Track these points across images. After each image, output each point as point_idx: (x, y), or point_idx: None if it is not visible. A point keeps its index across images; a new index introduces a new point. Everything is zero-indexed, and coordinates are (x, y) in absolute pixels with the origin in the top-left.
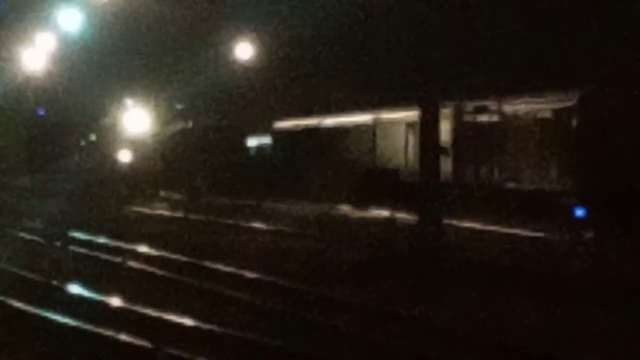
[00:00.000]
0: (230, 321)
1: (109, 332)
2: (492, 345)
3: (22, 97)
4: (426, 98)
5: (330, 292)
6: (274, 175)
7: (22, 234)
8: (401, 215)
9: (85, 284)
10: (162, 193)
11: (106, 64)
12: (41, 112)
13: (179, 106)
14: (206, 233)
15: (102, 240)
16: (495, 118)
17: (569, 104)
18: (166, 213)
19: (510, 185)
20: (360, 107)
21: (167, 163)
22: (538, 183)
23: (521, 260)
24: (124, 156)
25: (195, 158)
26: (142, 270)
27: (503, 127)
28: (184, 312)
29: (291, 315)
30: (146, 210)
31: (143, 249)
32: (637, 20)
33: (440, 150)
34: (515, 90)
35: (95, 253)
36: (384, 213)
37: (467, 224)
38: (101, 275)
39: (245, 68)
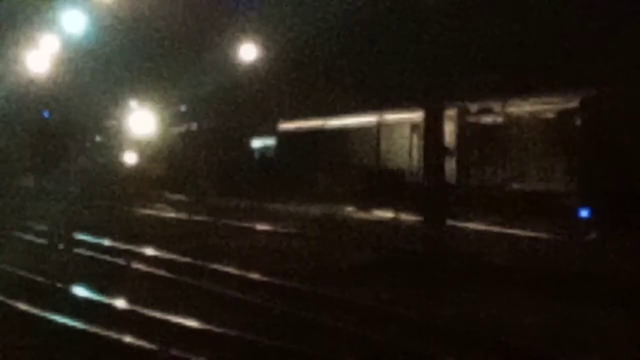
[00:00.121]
0: (234, 323)
1: (112, 334)
2: (495, 345)
3: (26, 99)
4: (430, 99)
5: (335, 293)
6: (278, 176)
7: (26, 236)
8: (405, 217)
9: (88, 285)
10: (166, 194)
11: (110, 65)
12: (45, 114)
13: (183, 108)
14: (210, 234)
15: (106, 242)
16: (499, 119)
17: (573, 105)
18: (170, 215)
19: (514, 186)
20: (365, 109)
21: (171, 165)
22: (542, 184)
23: (525, 261)
24: (129, 158)
25: (200, 160)
26: (145, 272)
27: (507, 128)
28: (188, 314)
29: (296, 316)
30: (150, 212)
31: (147, 250)
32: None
33: (444, 151)
34: (519, 91)
35: (99, 255)
36: (389, 214)
37: (471, 225)
38: (105, 277)
39: (249, 69)
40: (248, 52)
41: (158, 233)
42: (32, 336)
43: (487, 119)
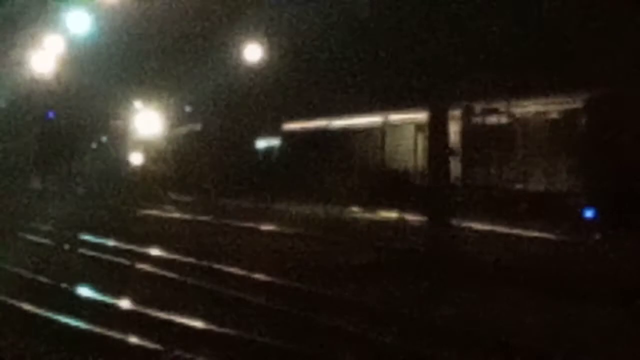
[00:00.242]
0: (239, 323)
1: (117, 334)
2: (498, 344)
3: (31, 99)
4: (435, 100)
5: (340, 294)
6: (283, 177)
7: (31, 237)
8: (410, 217)
9: (93, 286)
10: (172, 195)
11: (115, 66)
12: (51, 115)
13: (187, 108)
14: (215, 235)
15: (111, 242)
16: (504, 119)
17: (578, 105)
18: (176, 215)
19: (519, 186)
20: (369, 109)
21: (176, 165)
22: (547, 184)
23: (530, 261)
24: (135, 158)
25: (205, 160)
26: (150, 273)
27: (512, 129)
28: (193, 315)
29: (301, 317)
30: (156, 213)
31: (152, 251)
32: None
33: (449, 151)
34: (524, 91)
35: (104, 255)
36: (393, 214)
37: (475, 225)
38: (110, 277)
39: (255, 70)
40: (253, 52)
41: (163, 233)
42: (35, 336)
43: (492, 119)
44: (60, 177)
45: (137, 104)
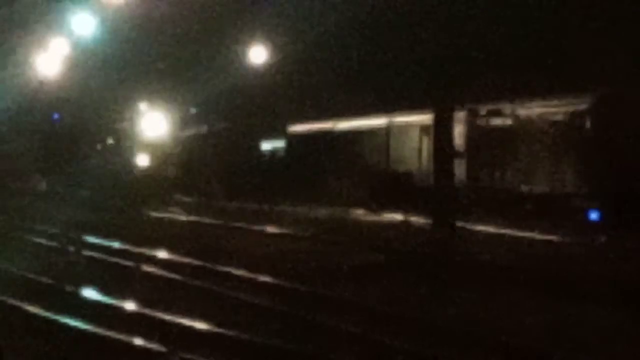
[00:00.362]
0: (243, 325)
1: (121, 336)
2: (498, 344)
3: (36, 101)
4: (440, 102)
5: (343, 295)
6: (288, 179)
7: (36, 239)
8: (415, 219)
9: (98, 287)
10: (177, 197)
11: (120, 68)
12: (56, 117)
13: (193, 110)
14: (220, 237)
15: (116, 244)
16: (508, 121)
17: (583, 106)
18: (181, 217)
19: (524, 188)
20: (374, 111)
21: (182, 167)
22: (552, 186)
23: (534, 263)
24: (141, 160)
25: (210, 162)
26: (155, 274)
27: (517, 130)
28: (197, 316)
29: (303, 318)
30: (161, 215)
31: (156, 253)
32: None
33: (453, 153)
34: (529, 93)
35: (109, 257)
36: (398, 216)
37: (480, 227)
38: (114, 279)
39: (259, 72)
40: (258, 54)
41: (168, 236)
42: (39, 337)
43: (497, 121)
44: (66, 178)
45: (143, 105)
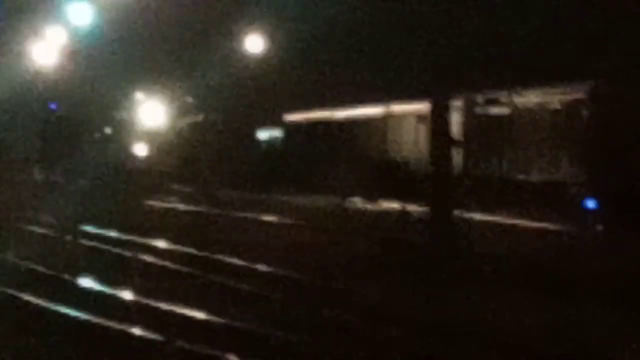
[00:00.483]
0: (242, 314)
1: (119, 326)
2: (496, 339)
3: (33, 91)
4: (437, 90)
5: (342, 285)
6: (285, 168)
7: (34, 229)
8: (412, 208)
9: (96, 277)
10: (175, 186)
11: (117, 57)
12: (53, 107)
13: (190, 100)
14: (218, 226)
15: (113, 234)
16: (506, 110)
17: (580, 95)
18: (178, 206)
19: (521, 177)
20: (372, 100)
21: (180, 157)
22: (549, 175)
23: (531, 252)
24: (139, 150)
25: (207, 151)
26: (153, 264)
27: (514, 119)
28: (195, 306)
29: (299, 308)
30: (158, 204)
31: (154, 242)
32: None
33: (451, 142)
34: (526, 82)
35: (107, 246)
36: (396, 205)
37: (478, 216)
38: (112, 268)
39: (256, 61)
40: (255, 43)
41: (165, 225)
42: (36, 326)
43: (494, 110)
44: (64, 168)
45: (141, 95)
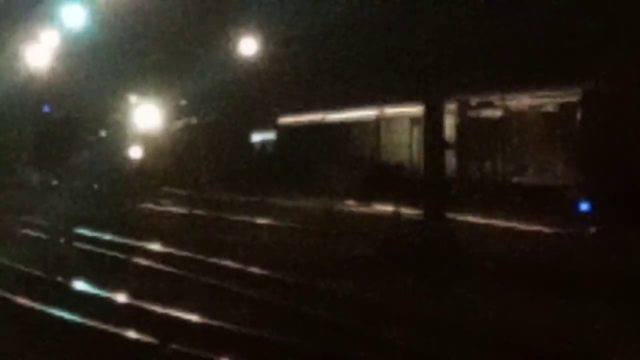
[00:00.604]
0: (235, 317)
1: (113, 329)
2: (491, 338)
3: (26, 93)
4: (430, 93)
5: (335, 287)
6: (278, 170)
7: (28, 231)
8: (406, 210)
9: (88, 280)
10: (167, 189)
11: (111, 60)
12: (46, 109)
13: (183, 102)
14: (211, 229)
15: (107, 236)
16: (499, 113)
17: (573, 98)
18: (171, 209)
19: (515, 179)
20: (365, 102)
21: (174, 159)
22: (542, 177)
23: (524, 254)
24: (134, 152)
25: (200, 154)
26: (146, 267)
27: (507, 122)
28: (189, 309)
29: (296, 311)
30: (152, 206)
31: (147, 244)
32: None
33: (444, 145)
34: (520, 85)
35: (100, 249)
36: (389, 208)
37: (471, 219)
38: (105, 271)
39: (250, 64)
40: (248, 46)
41: (159, 227)
42: (28, 328)
43: (487, 113)
44: (58, 171)
45: (135, 97)
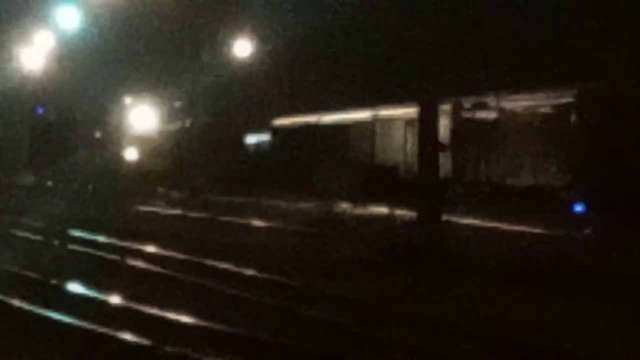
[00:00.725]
0: (229, 319)
1: (107, 331)
2: (489, 338)
3: (21, 95)
4: (425, 95)
5: (331, 289)
6: (273, 172)
7: (23, 233)
8: (401, 212)
9: (83, 282)
10: (164, 191)
11: (106, 61)
12: (40, 111)
13: (177, 104)
14: (205, 231)
15: (101, 238)
16: (494, 114)
17: (568, 99)
18: (166, 211)
19: (509, 181)
20: (360, 104)
21: (169, 161)
22: (537, 179)
23: (519, 255)
24: (129, 154)
25: (194, 156)
26: (140, 268)
27: (502, 123)
28: (183, 310)
29: (292, 312)
30: (148, 209)
31: (142, 246)
32: (635, 17)
33: (439, 146)
34: (514, 86)
35: (94, 251)
36: (384, 210)
37: (466, 220)
38: (99, 273)
39: (244, 65)
40: (243, 48)
41: (154, 229)
42: (22, 331)
43: (482, 114)
44: (54, 172)
45: (130, 99)
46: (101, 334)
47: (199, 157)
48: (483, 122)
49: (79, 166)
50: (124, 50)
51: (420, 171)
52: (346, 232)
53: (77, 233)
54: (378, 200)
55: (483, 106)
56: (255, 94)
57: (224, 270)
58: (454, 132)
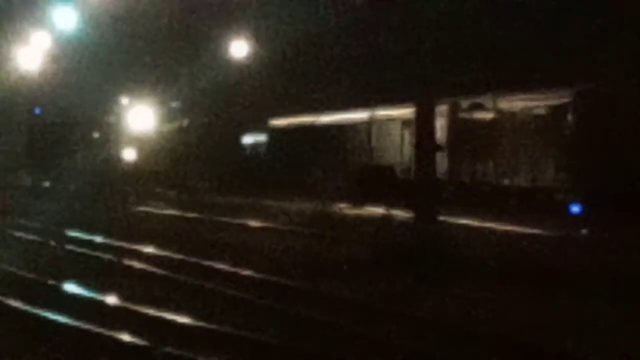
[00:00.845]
0: (227, 319)
1: (105, 331)
2: (487, 339)
3: (18, 96)
4: (421, 95)
5: (329, 289)
6: (269, 173)
7: (21, 234)
8: (397, 212)
9: (80, 282)
10: (162, 191)
11: (103, 62)
12: (37, 111)
13: (174, 104)
14: (202, 231)
15: (98, 238)
16: (490, 115)
17: (564, 100)
18: (164, 211)
19: (506, 182)
20: (356, 105)
21: (166, 161)
22: (534, 180)
23: (515, 256)
24: (127, 154)
25: (192, 156)
26: (138, 269)
27: (498, 124)
28: (181, 311)
29: (289, 313)
30: (144, 209)
31: (139, 247)
32: (632, 18)
33: (435, 147)
34: (511, 87)
35: (90, 251)
36: (380, 210)
37: (462, 221)
38: (96, 274)
39: (241, 66)
40: (240, 48)
41: (152, 230)
42: (20, 332)
43: (479, 115)
44: (51, 173)
45: (127, 99)
46: (98, 334)
47: (197, 158)
48: (480, 123)
49: (77, 167)
50: (121, 50)
51: (417, 172)
52: (343, 232)
53: (74, 233)
54: (375, 200)
55: (480, 107)
56: (253, 95)
57: (221, 270)
58: (450, 132)
